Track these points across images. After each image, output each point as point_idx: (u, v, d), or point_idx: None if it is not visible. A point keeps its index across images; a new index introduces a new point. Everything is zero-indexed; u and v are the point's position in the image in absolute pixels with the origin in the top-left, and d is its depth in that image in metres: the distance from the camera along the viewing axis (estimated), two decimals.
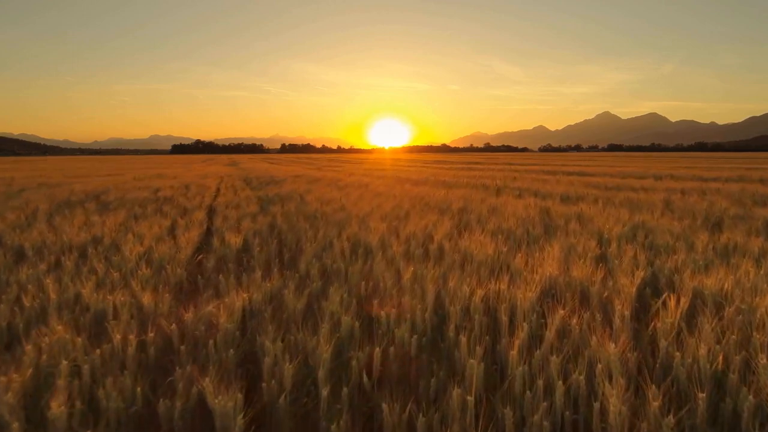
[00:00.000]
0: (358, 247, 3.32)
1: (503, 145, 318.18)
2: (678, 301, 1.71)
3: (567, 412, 1.46)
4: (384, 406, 1.44)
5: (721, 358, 1.50)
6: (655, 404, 1.29)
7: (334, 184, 9.81)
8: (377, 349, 1.69)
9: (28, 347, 1.66)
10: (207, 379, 1.38)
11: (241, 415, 1.37)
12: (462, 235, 3.48)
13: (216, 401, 1.36)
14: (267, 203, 6.28)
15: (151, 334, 1.82)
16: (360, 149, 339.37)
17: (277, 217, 4.86)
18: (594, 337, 1.52)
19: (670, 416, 1.27)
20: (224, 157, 76.86)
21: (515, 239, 3.46)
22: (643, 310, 2.07)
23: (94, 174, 17.04)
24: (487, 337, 1.81)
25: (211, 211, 5.89)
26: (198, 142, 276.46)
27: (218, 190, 8.81)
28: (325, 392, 1.53)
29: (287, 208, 5.50)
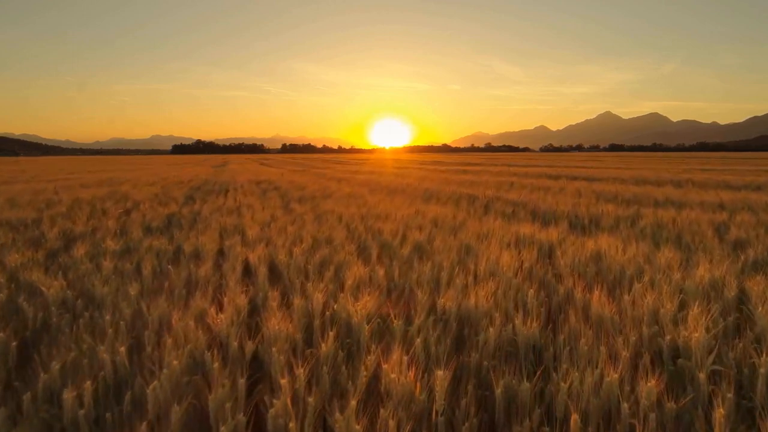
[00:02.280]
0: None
1: (504, 145, 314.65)
2: None
3: None
4: None
5: None
6: None
7: (287, 196, 8.00)
8: None
9: None
10: None
11: None
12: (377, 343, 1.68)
13: None
14: (139, 241, 4.35)
15: None
16: (361, 149, 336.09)
17: (104, 272, 3.06)
18: None
19: None
20: (220, 157, 74.81)
21: (480, 370, 1.62)
22: None
23: (43, 178, 15.28)
24: None
25: (64, 246, 4.08)
26: (198, 142, 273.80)
27: (137, 204, 7.00)
28: None
29: (143, 255, 3.69)
